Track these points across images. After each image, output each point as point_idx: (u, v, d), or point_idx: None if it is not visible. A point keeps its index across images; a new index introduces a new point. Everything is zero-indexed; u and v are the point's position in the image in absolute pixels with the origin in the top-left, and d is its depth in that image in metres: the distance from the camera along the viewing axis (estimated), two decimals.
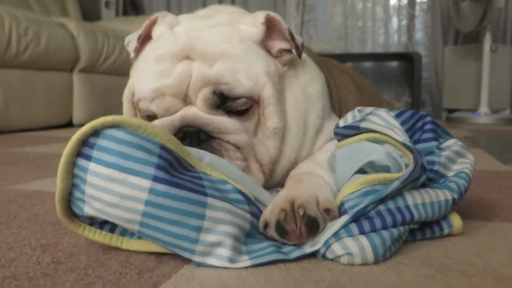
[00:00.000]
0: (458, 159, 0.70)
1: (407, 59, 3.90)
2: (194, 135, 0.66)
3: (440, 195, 0.66)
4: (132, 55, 0.76)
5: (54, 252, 0.60)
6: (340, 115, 0.97)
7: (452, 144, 0.71)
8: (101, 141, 0.53)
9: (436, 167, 0.69)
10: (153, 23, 0.76)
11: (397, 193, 0.63)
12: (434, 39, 4.03)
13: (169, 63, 0.68)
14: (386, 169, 0.64)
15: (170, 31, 0.73)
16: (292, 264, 0.57)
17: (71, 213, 0.57)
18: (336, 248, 0.58)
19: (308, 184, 0.67)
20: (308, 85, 0.79)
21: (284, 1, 4.39)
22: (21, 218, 0.76)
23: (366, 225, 0.60)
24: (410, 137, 0.72)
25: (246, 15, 0.77)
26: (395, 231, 0.61)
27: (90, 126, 0.52)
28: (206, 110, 0.67)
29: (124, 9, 4.58)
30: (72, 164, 0.54)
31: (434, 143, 0.70)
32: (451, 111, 3.79)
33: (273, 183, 0.78)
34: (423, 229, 0.67)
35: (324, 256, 0.59)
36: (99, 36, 2.83)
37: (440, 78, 4.00)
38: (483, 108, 3.30)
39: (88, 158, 0.53)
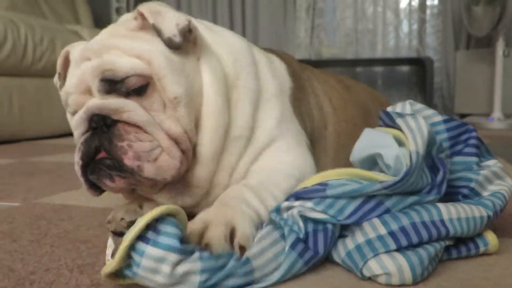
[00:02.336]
0: (495, 181, 0.70)
1: (419, 63, 3.88)
2: (101, 121, 0.69)
3: (476, 211, 0.66)
4: (59, 86, 0.82)
5: (92, 274, 0.60)
6: (319, 107, 1.00)
7: (492, 164, 0.71)
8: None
9: (472, 184, 0.69)
10: (67, 56, 0.80)
11: (432, 206, 0.63)
12: (445, 43, 4.02)
13: (75, 67, 0.74)
14: (388, 167, 0.65)
15: (73, 47, 0.80)
16: (334, 287, 0.57)
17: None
18: (374, 267, 0.58)
19: (231, 211, 0.65)
20: (228, 59, 0.81)
21: (294, 6, 4.39)
22: (52, 236, 0.76)
23: (402, 239, 0.60)
24: (452, 146, 0.72)
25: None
26: (431, 250, 0.61)
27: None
28: (101, 97, 0.71)
29: None
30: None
31: (474, 159, 0.70)
32: (463, 116, 3.77)
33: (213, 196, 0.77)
34: (458, 246, 0.67)
35: (362, 274, 0.59)
36: None
37: (452, 83, 3.98)
38: (497, 113, 3.28)
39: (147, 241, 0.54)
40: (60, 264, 0.64)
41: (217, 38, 0.82)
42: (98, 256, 0.67)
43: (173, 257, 0.53)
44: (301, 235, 0.61)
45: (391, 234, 0.60)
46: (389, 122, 0.69)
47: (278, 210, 0.65)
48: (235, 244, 0.59)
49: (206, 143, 0.75)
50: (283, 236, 0.61)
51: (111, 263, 0.53)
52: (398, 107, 0.74)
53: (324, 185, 0.63)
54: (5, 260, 0.65)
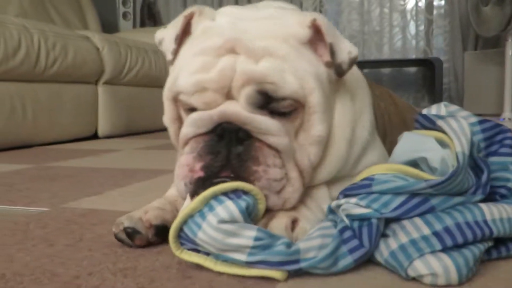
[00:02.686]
0: None
1: (427, 64, 3.88)
2: (233, 132, 0.63)
3: None
4: (169, 57, 0.72)
5: (135, 277, 0.60)
6: (384, 128, 0.96)
7: None
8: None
9: (510, 184, 0.70)
10: (190, 19, 0.71)
11: (474, 206, 0.64)
12: (452, 44, 4.02)
13: (212, 56, 0.64)
14: (434, 170, 0.66)
15: (213, 24, 0.70)
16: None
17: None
18: (420, 267, 0.58)
19: (300, 206, 0.70)
20: (356, 94, 0.77)
21: (301, 8, 4.39)
22: (87, 240, 0.76)
23: (447, 239, 0.60)
24: (487, 147, 0.72)
25: (294, 12, 0.72)
26: (476, 250, 0.61)
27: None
28: (248, 108, 0.64)
29: (141, 20, 4.62)
30: (211, 197, 0.61)
31: (510, 159, 0.71)
32: None
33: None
34: (498, 247, 0.67)
35: (407, 274, 0.59)
36: (122, 48, 2.86)
37: (460, 84, 3.98)
38: (507, 113, 3.28)
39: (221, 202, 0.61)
40: (101, 268, 0.64)
41: None
42: (138, 259, 0.67)
43: (227, 227, 0.58)
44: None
45: (436, 234, 0.60)
46: (428, 124, 0.70)
47: (330, 209, 0.67)
48: (293, 235, 0.63)
49: (318, 180, 0.73)
50: (335, 226, 0.64)
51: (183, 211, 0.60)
52: (433, 109, 0.75)
53: (370, 179, 0.64)
54: (46, 264, 0.65)
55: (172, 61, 0.72)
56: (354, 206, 0.63)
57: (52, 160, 1.79)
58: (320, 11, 4.37)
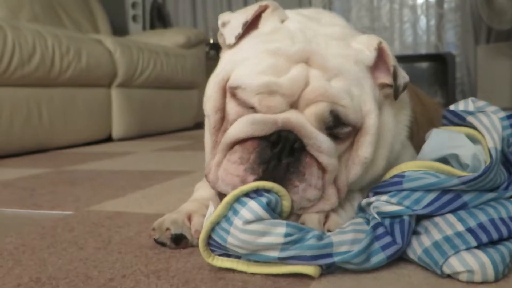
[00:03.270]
0: None
1: (439, 59, 3.85)
2: (290, 142, 0.62)
3: None
4: (232, 40, 0.69)
5: (169, 279, 0.61)
6: (411, 129, 0.95)
7: None
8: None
9: None
10: (262, 11, 0.70)
11: (508, 201, 0.63)
12: (464, 38, 3.98)
13: (284, 60, 0.63)
14: (465, 167, 0.65)
15: (284, 26, 0.68)
16: (412, 286, 0.56)
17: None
18: (455, 264, 0.58)
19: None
20: (398, 111, 0.76)
21: (310, 6, 4.38)
22: (116, 243, 0.77)
23: (482, 235, 0.60)
24: None
25: (356, 33, 0.73)
26: (511, 246, 0.60)
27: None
28: (315, 124, 0.63)
29: (151, 23, 4.63)
30: (234, 201, 0.61)
31: None
32: None
33: None
34: None
35: (442, 271, 0.59)
36: (134, 50, 2.87)
37: (473, 78, 3.94)
38: None
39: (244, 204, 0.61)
40: (134, 270, 0.64)
41: None
42: (169, 261, 0.67)
43: (255, 227, 0.58)
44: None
45: (470, 230, 0.59)
46: (458, 120, 0.69)
47: (361, 208, 0.67)
48: (325, 227, 0.64)
49: (352, 188, 0.73)
50: (367, 223, 0.64)
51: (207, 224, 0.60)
52: (461, 105, 0.74)
53: (401, 176, 0.64)
54: (79, 268, 0.66)
55: (232, 46, 0.70)
56: (385, 204, 0.63)
57: (70, 164, 1.80)
58: (329, 9, 4.36)
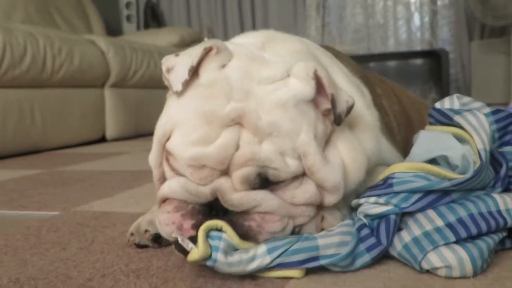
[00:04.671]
0: None
1: (433, 56, 3.85)
2: (222, 209, 0.61)
3: None
4: (179, 88, 0.65)
5: (148, 278, 0.61)
6: (389, 127, 0.94)
7: None
8: None
9: None
10: (207, 54, 0.65)
11: (487, 196, 0.63)
12: (458, 35, 3.98)
13: (216, 125, 0.61)
14: (454, 168, 0.65)
15: (222, 76, 0.64)
16: (392, 281, 0.56)
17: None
18: (434, 260, 0.58)
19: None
20: (355, 125, 0.73)
21: (304, 4, 4.38)
22: (100, 242, 0.77)
23: (461, 231, 0.60)
24: (501, 137, 0.71)
25: (299, 57, 0.69)
26: (490, 241, 0.61)
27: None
28: (241, 187, 0.61)
29: (145, 22, 4.63)
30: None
31: None
32: None
33: None
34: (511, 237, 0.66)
35: (421, 267, 0.59)
36: (127, 51, 2.87)
37: (467, 74, 3.95)
38: None
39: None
40: (114, 270, 0.64)
41: None
42: (150, 260, 0.67)
43: (237, 257, 0.57)
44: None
45: (449, 226, 0.60)
46: (444, 119, 0.69)
47: (351, 208, 0.68)
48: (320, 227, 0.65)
49: None
50: (354, 225, 0.64)
51: (199, 249, 0.57)
52: (446, 102, 0.74)
53: (391, 178, 0.63)
54: (60, 268, 0.66)
55: (180, 93, 0.66)
56: (373, 206, 0.63)
57: (62, 165, 1.80)
58: (324, 7, 4.36)
